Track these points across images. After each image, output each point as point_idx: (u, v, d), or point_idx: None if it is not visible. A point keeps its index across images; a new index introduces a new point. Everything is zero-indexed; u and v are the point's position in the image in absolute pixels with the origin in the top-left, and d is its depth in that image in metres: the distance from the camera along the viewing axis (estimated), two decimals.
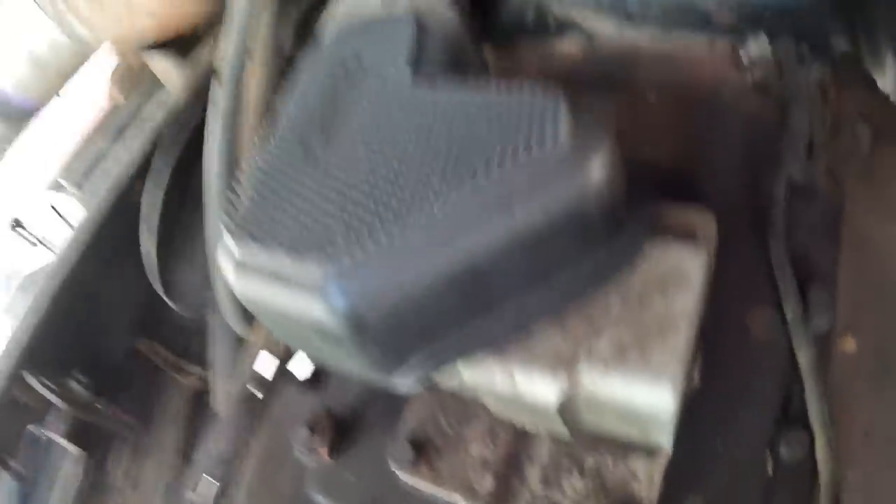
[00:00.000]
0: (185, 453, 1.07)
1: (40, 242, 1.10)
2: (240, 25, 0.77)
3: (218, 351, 0.96)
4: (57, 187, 1.18)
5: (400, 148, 0.47)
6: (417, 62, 0.53)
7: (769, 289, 0.61)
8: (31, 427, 0.88)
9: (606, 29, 0.83)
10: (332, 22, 0.65)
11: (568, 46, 0.85)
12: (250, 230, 0.48)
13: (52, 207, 1.09)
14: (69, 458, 0.93)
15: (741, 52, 0.72)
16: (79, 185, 1.10)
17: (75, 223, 0.98)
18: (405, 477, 0.63)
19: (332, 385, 0.75)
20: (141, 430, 1.02)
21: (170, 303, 1.01)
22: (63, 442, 0.86)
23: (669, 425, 0.49)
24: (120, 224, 0.96)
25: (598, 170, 0.43)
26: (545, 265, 0.47)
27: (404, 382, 0.51)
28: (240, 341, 0.92)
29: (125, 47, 0.98)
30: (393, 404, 0.67)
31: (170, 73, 1.05)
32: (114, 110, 1.13)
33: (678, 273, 0.50)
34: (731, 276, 0.55)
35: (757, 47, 0.70)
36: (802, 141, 0.63)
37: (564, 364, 0.48)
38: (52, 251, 1.06)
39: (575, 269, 0.48)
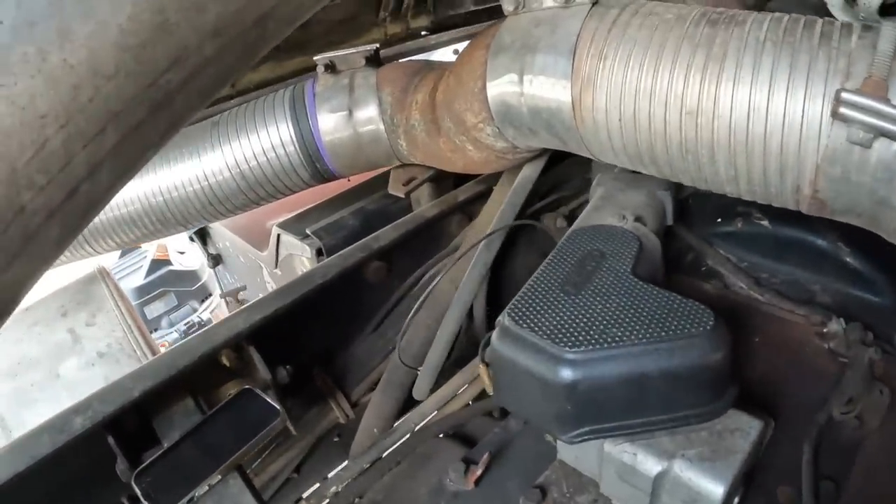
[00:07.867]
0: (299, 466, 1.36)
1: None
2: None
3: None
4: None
5: (618, 307, 0.84)
6: (636, 263, 0.91)
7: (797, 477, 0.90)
8: (248, 385, 1.06)
9: (740, 284, 1.22)
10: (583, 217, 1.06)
11: (708, 287, 1.24)
12: (519, 316, 0.85)
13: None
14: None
15: (826, 327, 1.07)
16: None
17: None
18: None
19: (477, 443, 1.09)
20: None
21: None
22: (274, 402, 1.00)
23: None
24: (352, 285, 1.30)
25: (723, 354, 0.79)
26: (675, 401, 0.81)
27: (567, 438, 0.83)
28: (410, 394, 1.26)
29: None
30: (519, 464, 1.01)
31: (423, 192, 1.48)
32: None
33: (745, 427, 0.83)
34: (776, 456, 0.87)
35: (836, 326, 1.05)
36: (847, 395, 0.96)
37: (668, 455, 0.82)
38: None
39: (692, 408, 0.82)
